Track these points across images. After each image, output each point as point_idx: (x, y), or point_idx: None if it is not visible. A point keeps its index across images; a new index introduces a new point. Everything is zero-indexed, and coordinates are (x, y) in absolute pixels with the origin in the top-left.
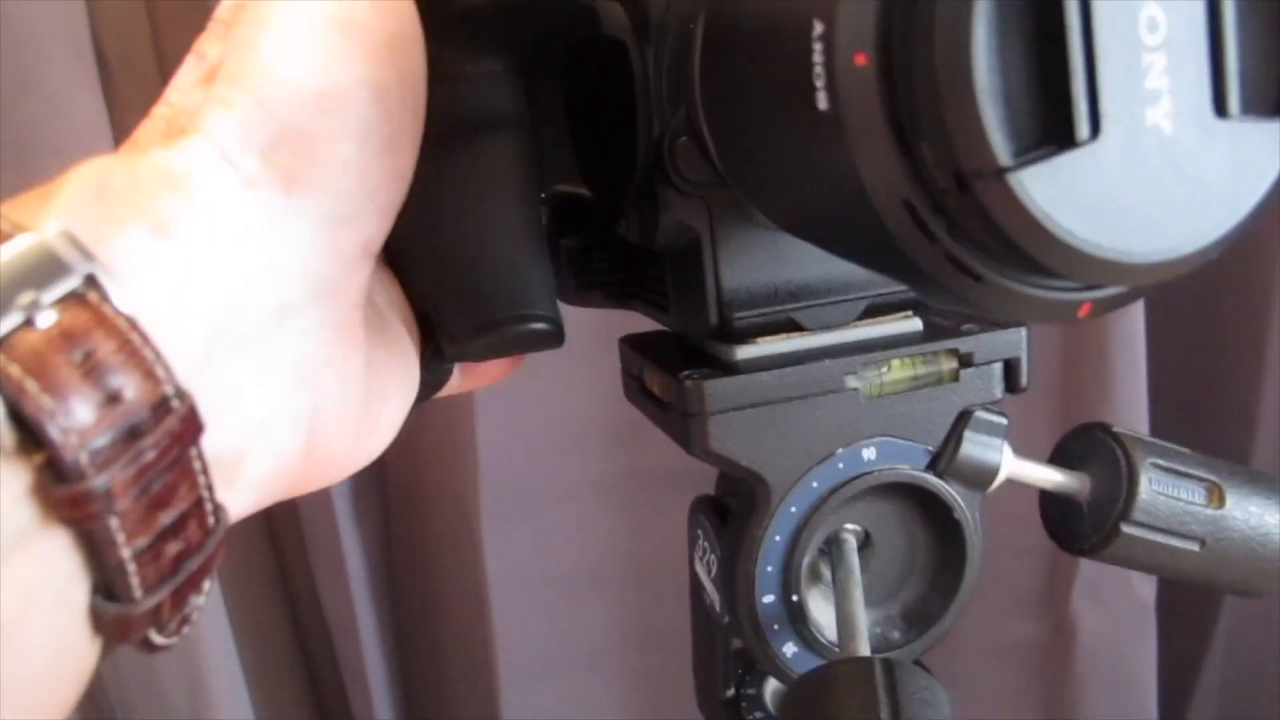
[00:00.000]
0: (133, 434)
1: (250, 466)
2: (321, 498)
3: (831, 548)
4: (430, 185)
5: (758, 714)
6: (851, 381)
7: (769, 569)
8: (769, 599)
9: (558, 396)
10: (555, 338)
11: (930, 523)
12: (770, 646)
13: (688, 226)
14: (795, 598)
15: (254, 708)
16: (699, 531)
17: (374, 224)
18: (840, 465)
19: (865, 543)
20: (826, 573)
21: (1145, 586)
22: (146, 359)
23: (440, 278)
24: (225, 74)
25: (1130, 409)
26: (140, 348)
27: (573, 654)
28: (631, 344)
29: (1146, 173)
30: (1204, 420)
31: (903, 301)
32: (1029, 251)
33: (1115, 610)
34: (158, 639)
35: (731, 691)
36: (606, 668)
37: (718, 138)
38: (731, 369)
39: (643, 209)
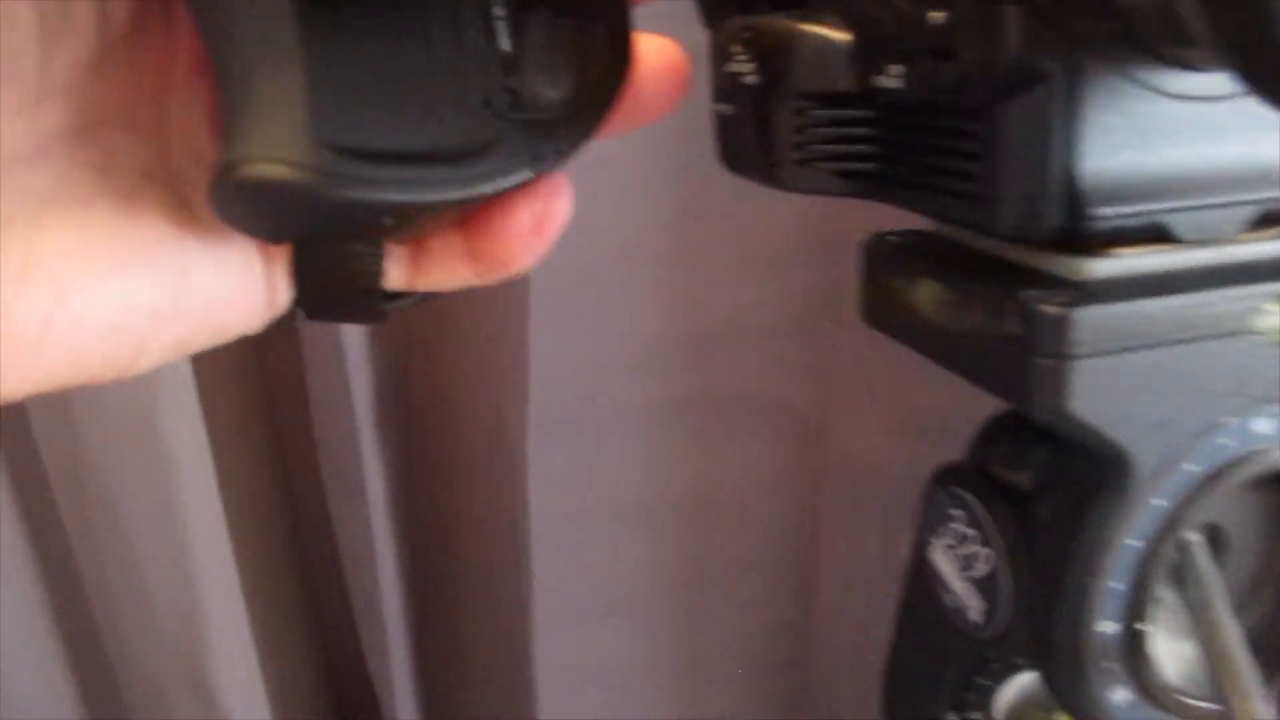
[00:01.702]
0: None
1: None
2: (342, 412)
3: (1181, 555)
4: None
5: None
6: (1258, 321)
7: (1117, 586)
8: (1109, 627)
9: (623, 309)
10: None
11: None
12: (1093, 690)
13: (1034, 71)
14: (1139, 625)
15: (255, 643)
16: (956, 512)
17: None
18: (1228, 442)
19: (1213, 545)
20: (1160, 591)
21: None
22: None
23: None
24: None
25: None
26: None
27: (615, 594)
28: (889, 247)
29: None
30: None
31: None
32: None
33: None
34: None
35: (952, 718)
36: (648, 610)
37: None
38: (1082, 292)
39: (958, 37)
